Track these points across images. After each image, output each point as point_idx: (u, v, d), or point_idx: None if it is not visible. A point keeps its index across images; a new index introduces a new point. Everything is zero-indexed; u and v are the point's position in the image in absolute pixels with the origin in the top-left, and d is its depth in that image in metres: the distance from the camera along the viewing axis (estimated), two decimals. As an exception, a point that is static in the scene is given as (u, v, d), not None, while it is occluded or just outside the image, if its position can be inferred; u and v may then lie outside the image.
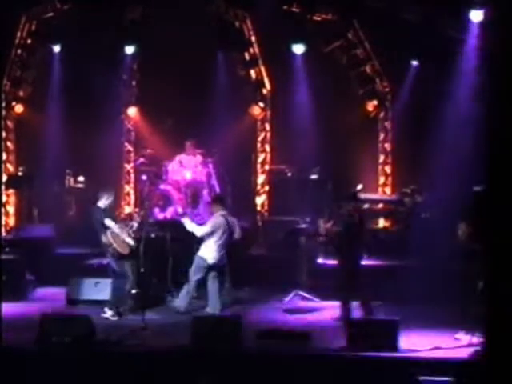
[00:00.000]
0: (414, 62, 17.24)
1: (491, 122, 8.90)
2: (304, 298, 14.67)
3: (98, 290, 13.87)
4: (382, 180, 18.38)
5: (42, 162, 17.24)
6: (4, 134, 17.52)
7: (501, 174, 8.81)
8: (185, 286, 13.54)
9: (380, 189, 18.27)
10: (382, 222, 17.55)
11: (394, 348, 10.80)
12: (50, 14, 17.40)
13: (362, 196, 15.90)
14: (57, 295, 14.42)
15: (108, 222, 13.24)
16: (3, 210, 17.22)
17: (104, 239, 13.21)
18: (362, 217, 13.15)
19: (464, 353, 10.70)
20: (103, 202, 13.42)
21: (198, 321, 11.29)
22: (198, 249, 13.57)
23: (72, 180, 17.69)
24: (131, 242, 13.31)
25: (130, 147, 18.74)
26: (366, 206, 16.84)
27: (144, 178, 17.20)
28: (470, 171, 14.45)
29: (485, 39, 14.60)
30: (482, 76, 13.50)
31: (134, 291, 13.32)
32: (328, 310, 13.64)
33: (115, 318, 12.98)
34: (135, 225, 13.65)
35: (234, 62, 18.11)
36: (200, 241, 13.53)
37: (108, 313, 13.04)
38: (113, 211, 14.06)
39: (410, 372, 10.30)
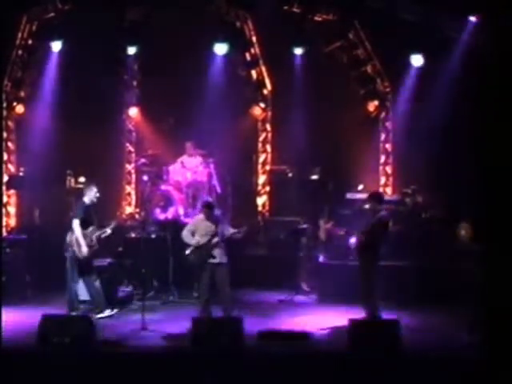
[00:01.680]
0: (415, 63, 17.21)
1: (490, 122, 8.91)
2: (305, 298, 14.67)
3: (98, 290, 13.86)
4: (382, 180, 18.38)
5: (42, 162, 17.20)
6: (5, 135, 17.48)
7: (500, 173, 8.82)
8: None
9: (381, 189, 18.24)
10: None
11: (395, 348, 10.79)
12: (51, 15, 17.38)
13: (360, 196, 15.93)
14: (57, 296, 14.41)
15: (76, 224, 13.22)
16: (4, 210, 17.21)
17: (68, 238, 13.29)
18: (387, 218, 13.08)
19: (464, 353, 10.69)
20: (89, 199, 13.47)
21: (198, 321, 11.28)
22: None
23: (73, 181, 17.65)
24: (85, 250, 13.20)
25: (131, 148, 18.74)
26: (367, 206, 16.84)
27: (145, 178, 17.20)
28: (471, 171, 14.46)
29: (482, 39, 14.60)
30: (479, 75, 13.47)
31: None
32: (328, 311, 13.65)
33: None
34: (108, 231, 13.56)
35: (235, 62, 18.10)
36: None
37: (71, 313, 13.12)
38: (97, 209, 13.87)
39: (411, 372, 10.29)
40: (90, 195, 13.49)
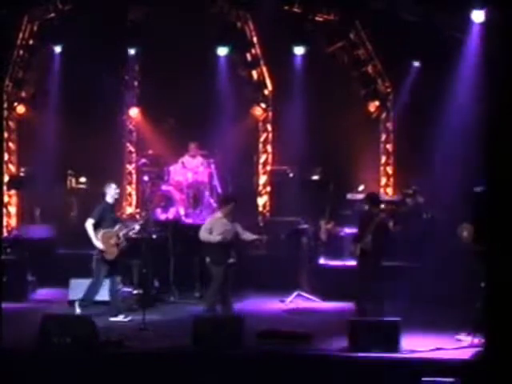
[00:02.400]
0: (416, 63, 17.24)
1: (491, 123, 8.91)
2: (305, 299, 14.68)
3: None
4: (383, 181, 18.39)
5: (43, 162, 17.24)
6: (6, 135, 17.52)
7: (501, 174, 8.81)
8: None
9: (382, 189, 18.26)
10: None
11: (396, 349, 10.79)
12: (52, 15, 17.42)
13: (361, 196, 15.94)
14: (58, 296, 14.43)
15: (89, 223, 12.96)
16: (5, 210, 17.24)
17: (95, 240, 13.02)
18: (386, 222, 13.07)
19: (466, 353, 10.69)
20: (111, 197, 13.22)
21: (199, 321, 11.28)
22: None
23: (74, 181, 17.70)
24: (98, 245, 12.97)
25: (131, 148, 18.74)
26: (367, 206, 16.85)
27: (146, 178, 17.21)
28: (471, 172, 14.47)
29: (486, 39, 14.60)
30: (483, 76, 13.49)
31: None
32: (328, 311, 13.65)
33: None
34: (136, 228, 13.40)
35: (236, 62, 18.11)
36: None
37: (77, 309, 12.94)
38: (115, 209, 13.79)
39: (412, 373, 10.28)
40: (111, 193, 13.22)
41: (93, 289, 13.20)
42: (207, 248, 12.92)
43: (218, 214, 13.09)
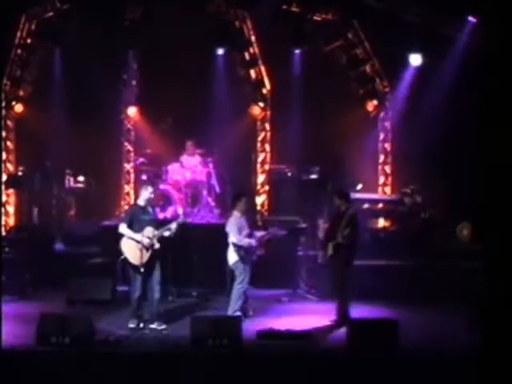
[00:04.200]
0: (414, 62, 17.25)
1: (490, 122, 8.92)
2: (304, 298, 14.68)
3: (98, 290, 13.85)
4: (381, 180, 18.40)
5: (41, 161, 17.23)
6: (4, 134, 17.52)
7: (500, 173, 8.83)
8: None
9: (380, 189, 18.28)
10: (381, 222, 17.54)
11: (394, 348, 10.80)
12: (50, 14, 17.42)
13: (359, 195, 15.98)
14: (56, 295, 14.41)
15: (122, 228, 12.28)
16: (3, 209, 17.20)
17: (119, 246, 12.36)
18: (355, 214, 13.08)
19: (464, 353, 10.70)
20: (143, 199, 12.54)
21: (198, 321, 11.28)
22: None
23: (72, 180, 17.67)
24: (145, 241, 12.18)
25: (129, 147, 18.72)
26: (366, 205, 16.87)
27: (144, 177, 17.22)
28: (470, 171, 14.48)
29: (482, 39, 14.62)
30: (480, 76, 13.48)
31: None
32: (327, 311, 13.65)
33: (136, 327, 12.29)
34: (173, 227, 12.51)
35: (234, 61, 18.12)
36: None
37: (131, 325, 12.30)
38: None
39: (411, 372, 10.29)
40: (145, 196, 12.54)
41: (131, 296, 12.50)
42: (235, 247, 12.61)
43: (237, 214, 12.67)
